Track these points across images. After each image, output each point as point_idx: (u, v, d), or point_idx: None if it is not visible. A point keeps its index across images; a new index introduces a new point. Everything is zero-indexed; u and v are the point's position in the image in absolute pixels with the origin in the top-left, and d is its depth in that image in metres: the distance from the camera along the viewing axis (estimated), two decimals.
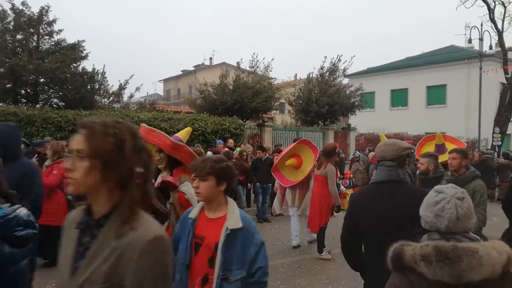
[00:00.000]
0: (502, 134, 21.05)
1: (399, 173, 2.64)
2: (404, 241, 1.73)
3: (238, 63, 17.97)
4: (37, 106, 13.45)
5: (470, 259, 1.52)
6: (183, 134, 4.19)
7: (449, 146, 7.07)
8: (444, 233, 1.69)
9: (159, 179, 3.94)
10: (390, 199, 2.55)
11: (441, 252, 1.55)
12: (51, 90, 14.38)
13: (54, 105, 13.98)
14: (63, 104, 14.12)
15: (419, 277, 1.59)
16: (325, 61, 18.45)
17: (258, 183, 10.12)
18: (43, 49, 14.19)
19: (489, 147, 21.84)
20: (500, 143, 20.89)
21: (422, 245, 1.63)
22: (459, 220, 1.67)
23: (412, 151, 5.22)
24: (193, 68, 50.42)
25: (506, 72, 20.88)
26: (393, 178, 2.63)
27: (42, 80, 13.69)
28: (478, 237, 1.75)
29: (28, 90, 13.90)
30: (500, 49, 21.85)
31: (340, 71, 18.55)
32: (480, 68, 21.86)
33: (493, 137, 21.14)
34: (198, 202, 2.74)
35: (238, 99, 15.61)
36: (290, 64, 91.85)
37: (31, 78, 13.12)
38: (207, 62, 51.16)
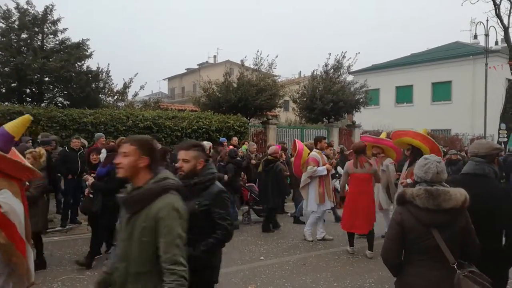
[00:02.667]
0: (508, 131, 20.90)
1: (484, 168, 3.15)
2: (405, 187, 2.97)
3: (242, 61, 17.90)
4: (42, 105, 13.49)
5: (445, 196, 2.63)
6: (13, 126, 2.82)
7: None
8: (429, 182, 2.74)
9: None
10: (470, 189, 2.78)
11: (428, 192, 2.66)
12: (56, 89, 14.41)
13: (59, 104, 14.02)
14: (68, 103, 14.16)
15: (414, 207, 2.69)
16: (329, 58, 18.40)
17: None
18: (48, 48, 14.22)
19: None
20: (506, 139, 20.75)
21: (417, 188, 2.73)
22: (438, 174, 2.75)
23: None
24: (198, 66, 50.44)
25: None
26: (478, 172, 3.16)
27: (47, 79, 13.73)
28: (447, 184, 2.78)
29: (33, 89, 13.94)
30: (506, 44, 21.68)
31: (345, 68, 18.47)
32: (486, 64, 21.69)
33: (499, 133, 21.01)
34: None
35: (242, 97, 15.58)
36: (294, 61, 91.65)
37: (36, 77, 13.17)
38: (211, 60, 51.21)
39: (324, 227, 8.06)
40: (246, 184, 9.77)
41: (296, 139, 9.92)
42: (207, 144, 8.55)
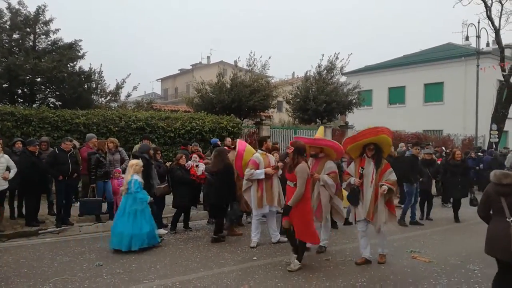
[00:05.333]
0: (499, 131, 21.10)
1: None
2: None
3: (235, 61, 17.94)
4: (34, 105, 13.42)
5: (503, 175, 4.27)
6: None
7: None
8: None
9: None
10: None
11: (494, 173, 4.39)
12: (48, 89, 14.34)
13: (51, 105, 13.95)
14: (60, 103, 14.10)
15: (492, 183, 4.37)
16: (322, 59, 18.50)
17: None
18: (40, 48, 14.16)
19: (487, 144, 21.91)
20: (497, 139, 20.95)
21: (494, 171, 4.46)
22: None
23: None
24: (191, 67, 50.39)
25: (503, 69, 20.93)
26: None
27: (38, 79, 13.66)
28: None
29: (25, 90, 13.86)
30: (497, 46, 21.88)
31: (338, 69, 18.57)
32: (477, 66, 21.89)
33: (490, 134, 21.19)
34: None
35: (236, 97, 15.60)
36: (287, 62, 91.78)
37: (27, 77, 13.09)
38: (204, 61, 51.19)
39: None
40: None
41: (238, 139, 9.20)
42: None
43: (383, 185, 6.12)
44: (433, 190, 10.25)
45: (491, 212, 4.42)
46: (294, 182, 5.98)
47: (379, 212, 6.22)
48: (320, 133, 7.52)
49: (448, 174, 10.42)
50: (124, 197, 7.13)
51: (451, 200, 10.99)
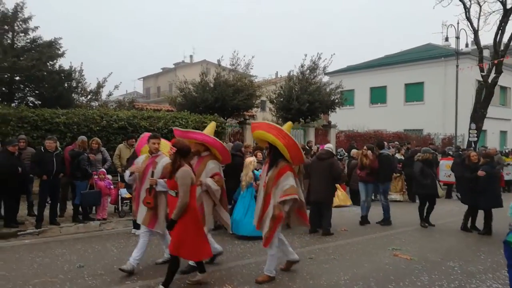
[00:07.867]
0: (478, 130, 21.52)
1: None
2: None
3: (218, 60, 17.88)
4: (13, 104, 13.14)
5: None
6: None
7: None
8: None
9: None
10: None
11: None
12: (27, 88, 14.09)
13: (30, 104, 13.70)
14: (40, 102, 13.85)
15: None
16: (305, 59, 18.60)
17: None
18: (19, 46, 13.89)
19: (466, 143, 22.34)
20: (476, 139, 21.37)
21: None
22: None
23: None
24: (173, 66, 50.05)
25: (481, 70, 21.34)
26: None
27: (17, 78, 13.42)
28: None
29: (3, 89, 13.58)
30: (475, 47, 22.32)
31: (320, 69, 18.69)
32: (457, 66, 22.31)
33: (469, 133, 21.60)
34: None
35: (219, 97, 15.56)
36: (271, 62, 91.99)
37: (6, 76, 12.85)
38: (187, 60, 50.90)
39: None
40: None
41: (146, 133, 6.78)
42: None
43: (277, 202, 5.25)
44: (441, 192, 9.55)
45: None
46: (176, 191, 4.81)
47: (264, 220, 5.40)
48: (209, 130, 5.99)
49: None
50: (249, 191, 7.89)
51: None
